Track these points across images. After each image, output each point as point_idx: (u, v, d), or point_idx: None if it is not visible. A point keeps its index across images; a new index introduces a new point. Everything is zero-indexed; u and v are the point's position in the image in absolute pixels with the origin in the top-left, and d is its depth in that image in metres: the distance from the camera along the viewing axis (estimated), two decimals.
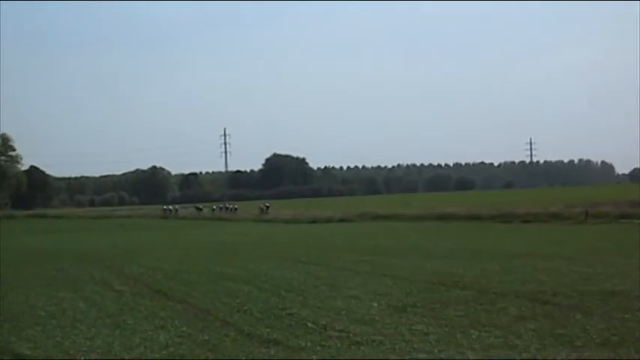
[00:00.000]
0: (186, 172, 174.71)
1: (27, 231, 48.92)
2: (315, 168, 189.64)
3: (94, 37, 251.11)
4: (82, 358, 8.54)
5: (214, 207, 72.87)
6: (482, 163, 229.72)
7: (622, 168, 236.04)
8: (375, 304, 11.40)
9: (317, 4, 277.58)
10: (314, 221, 49.14)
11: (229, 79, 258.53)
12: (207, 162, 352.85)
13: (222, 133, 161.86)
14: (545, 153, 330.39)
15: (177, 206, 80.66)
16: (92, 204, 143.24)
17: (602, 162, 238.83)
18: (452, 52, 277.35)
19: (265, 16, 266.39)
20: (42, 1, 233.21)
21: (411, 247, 23.45)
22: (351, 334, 9.18)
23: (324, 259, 19.73)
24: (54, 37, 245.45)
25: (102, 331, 9.92)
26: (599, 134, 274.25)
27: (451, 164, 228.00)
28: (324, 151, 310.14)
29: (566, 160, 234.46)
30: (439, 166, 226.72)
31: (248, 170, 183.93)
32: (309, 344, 8.75)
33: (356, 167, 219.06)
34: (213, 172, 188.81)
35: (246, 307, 11.46)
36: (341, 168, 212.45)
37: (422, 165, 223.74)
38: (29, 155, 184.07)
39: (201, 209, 72.52)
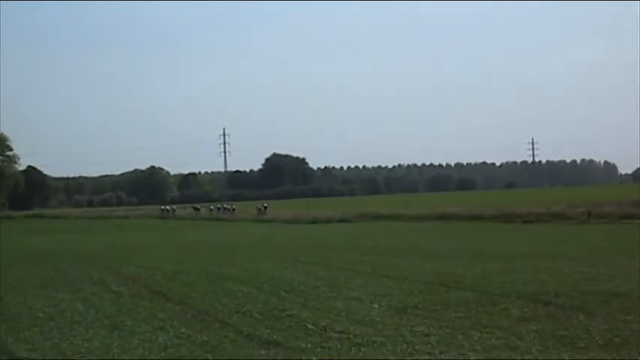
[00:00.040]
0: (186, 172, 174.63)
1: (25, 231, 48.87)
2: (315, 168, 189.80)
3: (94, 37, 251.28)
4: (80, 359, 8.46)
5: (212, 207, 72.89)
6: (484, 163, 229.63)
7: (625, 168, 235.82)
8: (376, 305, 11.34)
9: (317, 4, 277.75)
10: (314, 221, 49.12)
11: (229, 79, 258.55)
12: (206, 162, 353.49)
13: (222, 133, 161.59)
14: (548, 153, 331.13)
15: (174, 206, 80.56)
16: (90, 204, 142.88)
17: (605, 162, 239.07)
18: (452, 52, 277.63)
19: (265, 16, 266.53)
20: (42, 1, 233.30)
21: (412, 248, 23.39)
22: (352, 336, 9.11)
23: (324, 259, 19.68)
24: (54, 37, 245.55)
25: (100, 333, 9.86)
26: (601, 134, 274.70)
27: (452, 164, 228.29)
28: (324, 151, 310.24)
29: (568, 160, 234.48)
30: (440, 166, 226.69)
31: (248, 170, 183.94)
32: (309, 345, 8.68)
33: (356, 167, 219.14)
34: (212, 172, 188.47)
35: (245, 308, 11.39)
36: (341, 168, 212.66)
37: (423, 165, 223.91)
38: (27, 155, 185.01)
39: (198, 209, 72.51)
